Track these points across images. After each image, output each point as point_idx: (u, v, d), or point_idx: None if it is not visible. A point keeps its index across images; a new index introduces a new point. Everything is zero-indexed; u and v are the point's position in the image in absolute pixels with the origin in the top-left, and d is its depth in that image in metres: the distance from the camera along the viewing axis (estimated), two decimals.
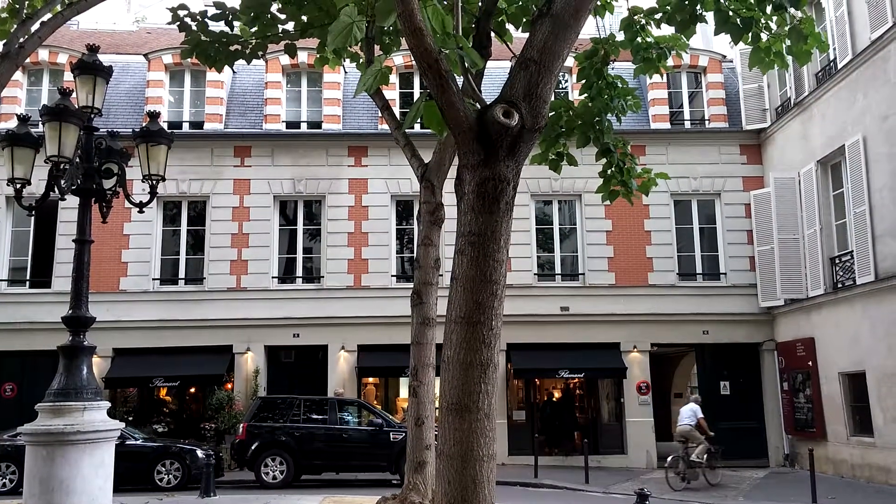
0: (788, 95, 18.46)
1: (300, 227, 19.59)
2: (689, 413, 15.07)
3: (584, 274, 19.19)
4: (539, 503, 11.45)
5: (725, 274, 19.20)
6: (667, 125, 19.85)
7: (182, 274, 19.06)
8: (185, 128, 19.32)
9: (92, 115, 7.14)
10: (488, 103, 5.06)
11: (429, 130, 5.48)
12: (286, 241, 19.58)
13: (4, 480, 13.48)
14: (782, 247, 17.65)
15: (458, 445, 4.54)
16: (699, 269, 19.39)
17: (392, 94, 19.06)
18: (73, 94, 7.26)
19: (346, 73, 19.95)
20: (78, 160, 7.05)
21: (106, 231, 15.49)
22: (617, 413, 19.22)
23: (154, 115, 7.34)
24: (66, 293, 18.31)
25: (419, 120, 5.41)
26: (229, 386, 18.43)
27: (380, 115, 18.45)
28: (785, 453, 18.21)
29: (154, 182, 7.37)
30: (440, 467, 4.62)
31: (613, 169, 9.30)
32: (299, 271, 19.38)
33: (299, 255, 19.47)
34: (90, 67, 7.05)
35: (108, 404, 7.26)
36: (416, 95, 19.79)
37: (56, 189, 6.97)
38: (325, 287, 18.96)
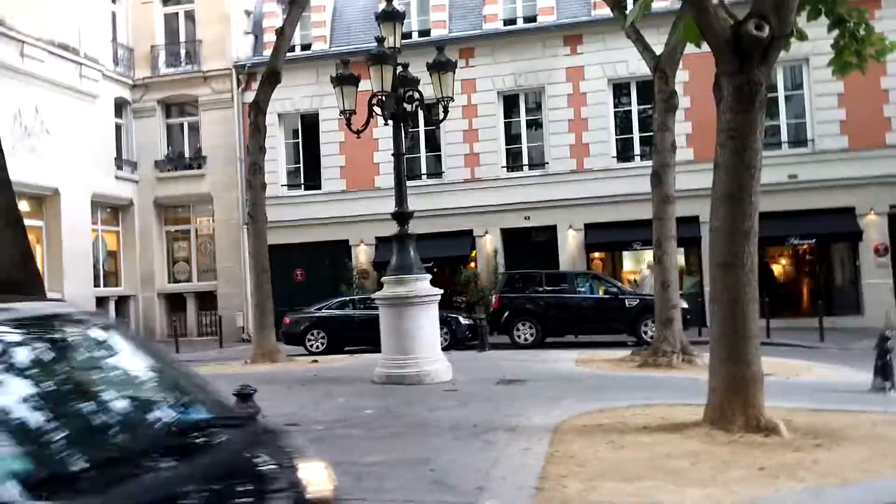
0: None
1: (523, 118, 21.15)
2: None
3: (812, 140, 18.91)
4: (778, 356, 12.20)
5: None
6: None
7: (423, 170, 21.60)
8: (414, 37, 21.17)
9: (396, 54, 9.09)
10: (740, 18, 6.11)
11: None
12: (511, 133, 21.27)
13: (317, 343, 17.14)
14: None
15: (727, 292, 6.02)
16: None
17: None
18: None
19: None
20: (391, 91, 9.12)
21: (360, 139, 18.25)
22: (852, 277, 19.23)
23: (441, 48, 9.14)
24: (333, 193, 21.88)
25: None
26: (472, 265, 21.06)
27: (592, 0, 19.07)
28: None
29: (445, 102, 9.28)
30: (714, 309, 6.13)
31: (847, 39, 9.51)
32: (525, 160, 21.10)
33: (524, 145, 21.14)
34: (391, 16, 8.94)
35: (430, 276, 9.55)
36: None
37: (375, 116, 9.10)
38: (550, 172, 20.56)
